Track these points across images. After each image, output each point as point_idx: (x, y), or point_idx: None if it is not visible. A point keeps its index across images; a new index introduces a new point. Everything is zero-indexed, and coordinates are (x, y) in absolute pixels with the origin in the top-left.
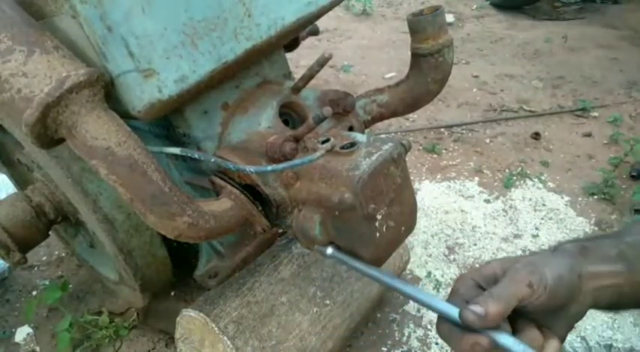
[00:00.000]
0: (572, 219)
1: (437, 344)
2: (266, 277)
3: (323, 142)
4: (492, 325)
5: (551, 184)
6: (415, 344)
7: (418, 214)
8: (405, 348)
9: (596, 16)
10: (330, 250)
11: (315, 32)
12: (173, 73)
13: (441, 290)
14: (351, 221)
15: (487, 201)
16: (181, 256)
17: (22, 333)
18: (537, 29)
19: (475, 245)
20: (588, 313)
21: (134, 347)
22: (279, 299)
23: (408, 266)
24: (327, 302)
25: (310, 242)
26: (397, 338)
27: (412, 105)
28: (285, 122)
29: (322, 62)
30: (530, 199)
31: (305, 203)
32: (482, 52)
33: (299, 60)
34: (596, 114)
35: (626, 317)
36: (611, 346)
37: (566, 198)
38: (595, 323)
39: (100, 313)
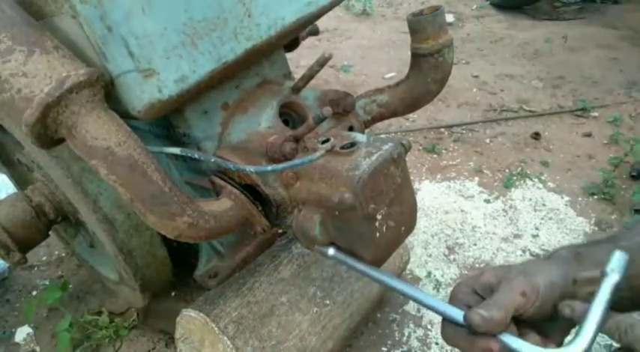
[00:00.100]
0: (572, 219)
1: (437, 344)
2: (266, 277)
3: (323, 142)
4: (497, 330)
5: (551, 184)
6: (415, 344)
7: (418, 214)
8: (405, 348)
9: (596, 16)
10: (331, 251)
11: (315, 32)
12: (173, 73)
13: (440, 290)
14: (351, 221)
15: (487, 201)
16: (181, 256)
17: (22, 333)
18: (537, 29)
19: (475, 245)
20: None
21: (134, 347)
22: (279, 299)
23: (408, 266)
24: (327, 302)
25: (310, 242)
26: (397, 338)
27: (412, 105)
28: (285, 122)
29: (322, 62)
30: (530, 199)
31: (305, 203)
32: (482, 52)
33: (299, 60)
34: (596, 114)
35: None
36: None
37: (566, 198)
38: None
39: (100, 313)
